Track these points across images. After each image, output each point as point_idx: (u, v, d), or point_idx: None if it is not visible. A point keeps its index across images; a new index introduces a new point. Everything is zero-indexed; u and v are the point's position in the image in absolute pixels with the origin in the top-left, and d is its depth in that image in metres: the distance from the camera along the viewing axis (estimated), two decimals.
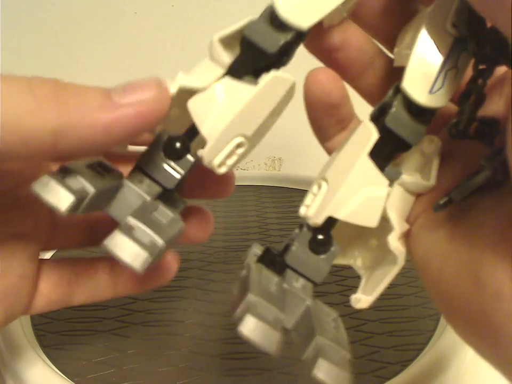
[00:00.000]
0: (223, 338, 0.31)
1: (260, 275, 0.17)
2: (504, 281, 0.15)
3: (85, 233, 0.25)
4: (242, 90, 0.18)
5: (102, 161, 0.18)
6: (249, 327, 0.15)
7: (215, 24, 0.56)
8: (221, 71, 0.18)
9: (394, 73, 0.20)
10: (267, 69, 0.18)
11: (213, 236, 0.45)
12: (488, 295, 0.15)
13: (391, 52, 0.20)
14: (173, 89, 0.18)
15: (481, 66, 0.18)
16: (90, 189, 0.16)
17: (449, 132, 0.18)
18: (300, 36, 0.18)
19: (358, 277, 0.21)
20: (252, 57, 0.18)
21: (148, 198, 0.18)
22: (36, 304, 0.22)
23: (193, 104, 0.18)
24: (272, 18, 0.18)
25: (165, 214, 0.18)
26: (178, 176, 0.19)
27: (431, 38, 0.18)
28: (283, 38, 0.18)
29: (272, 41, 0.18)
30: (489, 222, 0.16)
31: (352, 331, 0.30)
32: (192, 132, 0.19)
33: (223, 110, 0.18)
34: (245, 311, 0.15)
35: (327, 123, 0.21)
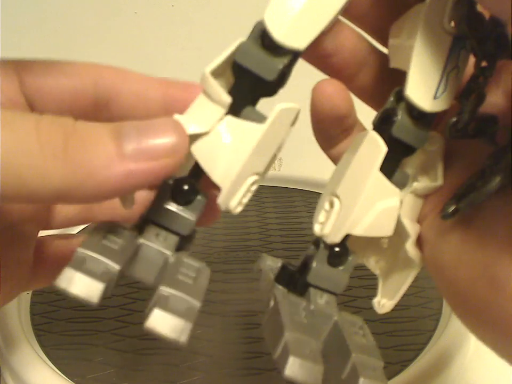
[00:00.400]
0: (223, 338, 0.31)
1: (288, 304, 0.17)
2: None
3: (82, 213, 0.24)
4: (249, 130, 0.17)
5: (111, 224, 0.17)
6: (294, 369, 0.15)
7: (215, 24, 0.57)
8: (222, 111, 0.17)
9: (388, 69, 0.19)
10: (265, 93, 0.18)
11: (213, 236, 0.45)
12: (507, 297, 0.15)
13: (383, 44, 0.20)
14: None
15: (482, 64, 0.17)
16: (115, 267, 0.15)
17: (449, 132, 0.18)
18: (296, 56, 0.18)
19: (357, 277, 0.21)
20: (249, 85, 0.18)
21: (169, 253, 0.17)
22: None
23: (198, 151, 0.17)
24: (264, 40, 0.17)
25: (190, 266, 0.17)
26: (193, 220, 0.17)
27: (430, 39, 0.17)
28: (281, 63, 0.17)
29: (270, 67, 0.17)
30: (502, 222, 0.16)
31: None
32: (197, 171, 0.18)
33: (232, 155, 0.17)
34: (286, 352, 0.15)
35: (333, 133, 0.21)
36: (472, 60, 0.18)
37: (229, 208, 0.17)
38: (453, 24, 0.17)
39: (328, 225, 0.18)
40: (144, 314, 0.15)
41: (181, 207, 0.17)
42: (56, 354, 0.29)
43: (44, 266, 0.22)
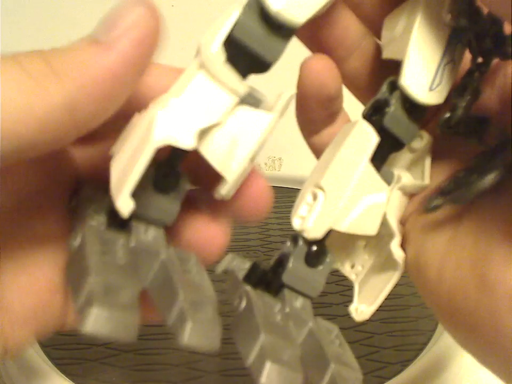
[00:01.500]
0: (223, 338, 0.31)
1: (263, 305, 0.16)
2: None
3: None
4: (258, 120, 0.16)
5: (99, 227, 0.15)
6: (272, 377, 0.13)
7: None
8: (235, 100, 0.15)
9: (381, 59, 0.19)
10: (259, 71, 0.17)
11: None
12: (499, 297, 0.14)
13: (377, 37, 0.19)
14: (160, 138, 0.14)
15: (478, 60, 0.17)
16: (138, 288, 0.14)
17: (441, 127, 0.17)
18: (293, 31, 0.16)
19: (333, 283, 0.20)
20: (245, 62, 0.16)
21: (164, 253, 0.15)
22: (70, 318, 0.18)
23: (207, 149, 0.15)
24: (262, 14, 0.16)
25: (185, 260, 0.16)
26: (177, 209, 0.16)
27: (428, 29, 0.17)
28: (283, 45, 0.16)
29: (272, 49, 0.16)
30: (495, 218, 0.15)
31: (352, 331, 0.30)
32: (177, 154, 0.16)
33: (240, 146, 0.16)
34: (262, 357, 0.13)
35: (319, 116, 0.19)
36: (467, 56, 0.17)
37: (226, 197, 0.16)
38: (451, 17, 0.17)
39: (310, 219, 0.17)
40: (168, 325, 0.13)
41: (164, 195, 0.16)
42: (56, 354, 0.29)
43: None
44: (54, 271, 0.16)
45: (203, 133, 0.15)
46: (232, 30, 0.16)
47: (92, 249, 0.14)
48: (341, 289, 0.31)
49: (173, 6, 0.57)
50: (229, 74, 0.16)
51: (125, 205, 0.14)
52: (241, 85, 0.16)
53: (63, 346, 0.30)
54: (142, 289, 0.14)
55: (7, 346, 0.15)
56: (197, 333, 0.13)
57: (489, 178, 0.15)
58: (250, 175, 0.17)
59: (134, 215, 0.15)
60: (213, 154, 0.16)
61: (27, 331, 0.16)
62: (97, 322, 0.12)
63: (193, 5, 0.57)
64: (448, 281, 0.16)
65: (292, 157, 0.60)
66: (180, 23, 0.59)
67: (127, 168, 0.14)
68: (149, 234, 0.16)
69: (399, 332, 0.31)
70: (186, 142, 0.14)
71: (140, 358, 0.29)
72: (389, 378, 0.27)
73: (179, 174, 0.16)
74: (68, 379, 0.27)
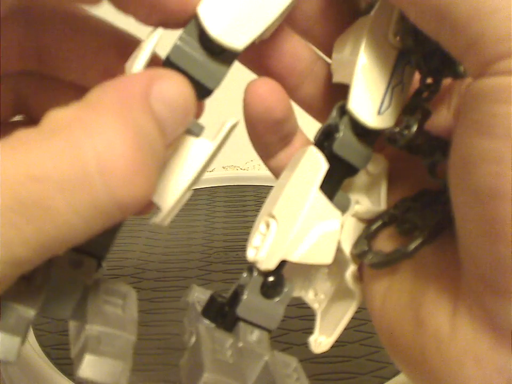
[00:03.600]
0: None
1: (212, 341, 0.15)
2: (444, 321, 0.14)
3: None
4: (198, 148, 0.15)
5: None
6: None
7: None
8: None
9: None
10: (201, 96, 0.16)
11: (213, 236, 0.45)
12: (428, 335, 0.14)
13: (330, 57, 0.18)
14: None
15: (428, 80, 0.16)
16: (30, 312, 0.13)
17: (389, 139, 0.16)
18: (234, 56, 0.16)
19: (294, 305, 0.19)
20: None
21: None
22: None
23: None
24: (201, 38, 0.15)
25: (114, 291, 0.16)
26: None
27: (375, 52, 0.16)
28: (224, 71, 0.16)
29: (213, 75, 0.16)
30: (431, 258, 0.15)
31: (352, 331, 0.30)
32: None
33: (178, 173, 0.15)
34: None
35: (270, 140, 0.18)
36: (417, 77, 0.17)
37: (161, 225, 0.16)
38: (398, 38, 0.16)
39: (263, 250, 0.16)
40: (72, 359, 0.13)
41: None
42: (56, 354, 0.29)
43: None
44: None
45: None
46: (169, 54, 0.15)
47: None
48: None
49: None
50: None
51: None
52: None
53: (63, 346, 0.30)
54: None
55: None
56: None
57: (411, 247, 0.15)
58: None
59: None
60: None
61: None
62: None
63: None
64: (389, 314, 0.16)
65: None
66: None
67: None
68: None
69: None
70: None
71: (140, 358, 0.29)
72: (389, 378, 0.27)
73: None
74: (68, 379, 0.27)
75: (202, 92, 0.16)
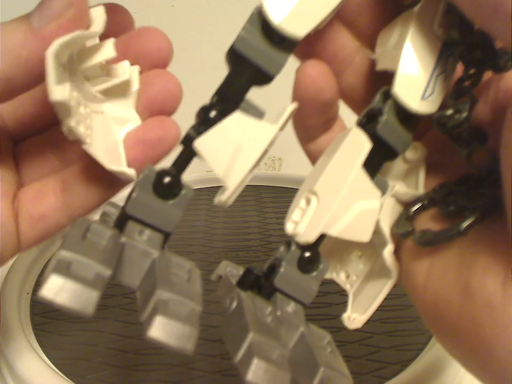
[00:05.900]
0: (223, 338, 0.31)
1: (254, 306, 0.16)
2: (496, 290, 0.14)
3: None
4: (261, 130, 0.16)
5: (88, 222, 0.15)
6: (258, 373, 0.13)
7: (215, 24, 0.56)
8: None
9: (374, 73, 0.19)
10: (261, 83, 0.17)
11: (213, 236, 0.45)
12: (480, 305, 0.15)
13: (371, 50, 0.19)
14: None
15: (470, 71, 0.17)
16: (106, 271, 0.13)
17: (436, 125, 0.17)
18: (294, 45, 0.17)
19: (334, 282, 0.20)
20: (248, 75, 0.17)
21: (156, 253, 0.15)
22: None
23: (203, 146, 0.16)
24: (264, 27, 0.17)
25: (181, 266, 0.16)
26: (178, 218, 0.16)
27: (420, 41, 0.17)
28: (285, 58, 0.17)
29: (275, 62, 0.17)
30: (479, 237, 0.16)
31: (351, 331, 0.30)
32: (182, 163, 0.17)
33: (243, 154, 0.16)
34: (250, 354, 0.13)
35: (315, 122, 0.19)
36: (460, 68, 0.18)
37: (225, 204, 0.17)
38: (442, 30, 0.17)
39: (302, 223, 0.17)
40: (142, 323, 0.13)
41: (164, 202, 0.16)
42: (56, 354, 0.29)
43: None
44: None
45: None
46: (234, 43, 0.17)
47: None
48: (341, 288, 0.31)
49: (173, 6, 0.57)
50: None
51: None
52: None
53: (63, 346, 0.30)
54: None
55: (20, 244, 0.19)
56: None
57: (463, 225, 0.15)
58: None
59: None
60: (216, 160, 0.16)
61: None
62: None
63: (193, 5, 0.57)
64: (434, 289, 0.16)
65: (291, 157, 0.60)
66: (180, 23, 0.59)
67: None
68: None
69: (399, 332, 0.31)
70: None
71: (140, 358, 0.29)
72: (389, 378, 0.27)
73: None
74: (68, 379, 0.27)
75: (264, 78, 0.17)
